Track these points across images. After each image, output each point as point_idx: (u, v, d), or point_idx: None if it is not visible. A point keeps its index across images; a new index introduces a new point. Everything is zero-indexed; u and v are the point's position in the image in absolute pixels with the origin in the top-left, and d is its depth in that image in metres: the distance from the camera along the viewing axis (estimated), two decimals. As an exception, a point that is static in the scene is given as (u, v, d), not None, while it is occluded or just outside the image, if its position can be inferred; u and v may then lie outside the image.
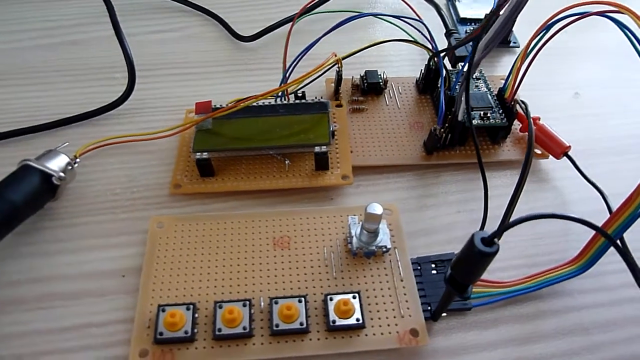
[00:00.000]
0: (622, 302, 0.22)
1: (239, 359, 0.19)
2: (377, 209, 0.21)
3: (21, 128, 0.27)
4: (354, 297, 0.21)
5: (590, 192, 0.25)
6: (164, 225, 0.24)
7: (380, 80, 0.30)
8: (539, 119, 0.28)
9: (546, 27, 0.25)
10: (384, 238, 0.23)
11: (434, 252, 0.23)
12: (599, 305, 0.22)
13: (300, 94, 0.28)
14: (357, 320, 0.20)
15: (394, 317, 0.21)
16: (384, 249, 0.23)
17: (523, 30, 0.32)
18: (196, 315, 0.20)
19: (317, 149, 0.25)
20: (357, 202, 0.25)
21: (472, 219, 0.25)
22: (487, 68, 0.33)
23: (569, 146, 0.26)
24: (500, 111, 0.27)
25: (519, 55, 0.26)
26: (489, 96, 0.28)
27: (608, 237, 0.16)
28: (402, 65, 0.34)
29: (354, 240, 0.22)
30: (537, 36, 0.25)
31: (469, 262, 0.17)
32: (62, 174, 0.23)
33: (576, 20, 0.24)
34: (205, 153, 0.25)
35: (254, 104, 0.26)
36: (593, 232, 0.21)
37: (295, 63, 0.27)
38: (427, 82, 0.30)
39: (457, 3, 0.38)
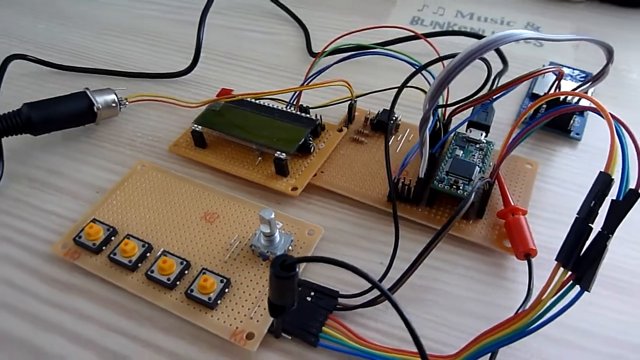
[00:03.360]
0: None
1: (114, 281, 0.23)
2: (266, 214, 0.23)
3: (109, 69, 0.36)
4: (222, 282, 0.23)
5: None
6: (144, 168, 0.29)
7: (392, 122, 0.30)
8: (524, 212, 0.25)
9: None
10: (278, 247, 0.24)
11: (325, 284, 0.24)
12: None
13: (305, 107, 0.30)
14: (209, 299, 0.22)
15: (244, 315, 0.22)
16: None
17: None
18: (112, 238, 0.25)
19: (277, 154, 0.27)
20: (298, 214, 0.27)
21: (387, 279, 0.24)
22: (535, 153, 0.30)
23: (534, 249, 0.23)
24: (478, 186, 0.25)
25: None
26: (476, 168, 0.26)
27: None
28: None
29: (255, 238, 0.24)
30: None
31: (271, 283, 0.18)
32: (100, 106, 0.30)
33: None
34: (200, 127, 0.29)
35: (259, 102, 0.30)
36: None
37: (315, 75, 0.30)
38: (434, 136, 0.29)
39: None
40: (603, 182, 0.18)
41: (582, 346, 0.22)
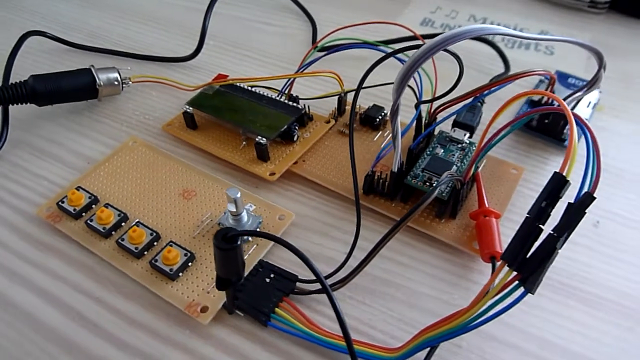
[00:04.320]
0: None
1: (88, 246, 0.24)
2: (232, 192, 0.23)
3: (121, 51, 0.38)
4: (186, 255, 0.23)
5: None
6: (135, 144, 0.30)
7: (379, 118, 0.30)
8: (497, 215, 0.24)
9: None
10: (245, 227, 0.24)
11: (289, 269, 0.24)
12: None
13: (295, 96, 0.31)
14: (171, 270, 0.23)
15: (202, 289, 0.23)
16: (242, 239, 0.24)
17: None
18: (93, 206, 0.26)
19: (258, 138, 0.27)
20: (274, 199, 0.27)
21: (348, 265, 0.24)
22: (524, 159, 0.30)
23: (500, 252, 0.23)
24: (451, 185, 0.25)
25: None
26: (453, 167, 0.26)
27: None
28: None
29: (224, 216, 0.25)
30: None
31: (215, 255, 0.19)
32: (102, 83, 0.32)
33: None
34: (191, 109, 0.30)
35: (252, 89, 0.31)
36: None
37: (309, 64, 0.30)
38: (419, 131, 0.29)
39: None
40: (556, 182, 0.17)
41: (538, 356, 0.21)
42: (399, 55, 0.27)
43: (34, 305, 0.23)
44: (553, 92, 0.28)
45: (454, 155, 0.27)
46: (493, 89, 0.25)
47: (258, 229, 0.25)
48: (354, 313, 0.23)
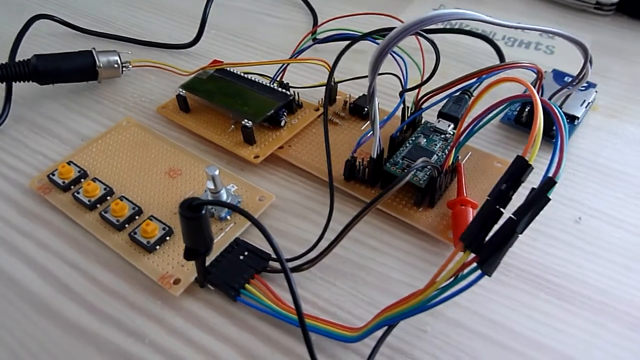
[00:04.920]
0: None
1: (73, 217, 0.25)
2: (210, 170, 0.24)
3: (126, 37, 0.39)
4: (164, 229, 0.24)
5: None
6: (129, 124, 0.31)
7: (367, 107, 0.30)
8: (474, 205, 0.24)
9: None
10: (222, 207, 0.25)
11: (263, 248, 0.24)
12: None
13: (285, 83, 0.31)
14: (148, 243, 0.24)
15: (177, 262, 0.23)
16: (220, 216, 0.25)
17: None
18: (81, 180, 0.27)
19: (244, 122, 0.28)
20: (257, 182, 0.28)
21: (320, 246, 0.24)
22: (511, 154, 0.29)
23: (472, 241, 0.23)
24: (429, 173, 0.25)
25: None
26: (434, 156, 0.26)
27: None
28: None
29: (203, 194, 0.25)
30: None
31: (181, 224, 0.19)
32: (101, 65, 0.33)
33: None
34: (184, 92, 0.31)
35: (245, 75, 0.31)
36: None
37: (301, 51, 0.31)
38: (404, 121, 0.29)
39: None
40: (518, 165, 0.17)
41: (505, 345, 0.21)
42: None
43: (17, 269, 0.24)
44: (542, 87, 0.28)
45: (436, 145, 0.27)
46: (474, 79, 0.25)
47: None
48: (324, 294, 0.23)
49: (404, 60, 0.28)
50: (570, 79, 0.33)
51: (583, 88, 0.33)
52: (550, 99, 0.28)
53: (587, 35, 0.40)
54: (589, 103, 0.32)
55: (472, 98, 0.23)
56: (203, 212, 0.18)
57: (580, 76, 0.26)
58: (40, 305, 0.22)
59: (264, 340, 0.21)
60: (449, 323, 0.22)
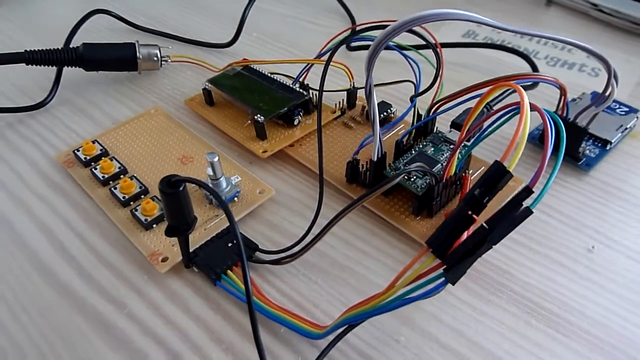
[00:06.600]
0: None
1: (88, 190, 0.27)
2: (210, 156, 0.24)
3: (172, 34, 0.41)
4: (162, 210, 0.25)
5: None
6: (156, 112, 0.33)
7: (384, 114, 0.30)
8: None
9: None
10: (222, 193, 0.25)
11: (254, 239, 0.24)
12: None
13: (306, 84, 0.31)
14: (146, 220, 0.25)
15: (169, 242, 0.24)
16: (217, 204, 0.25)
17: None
18: (102, 157, 0.29)
19: (257, 117, 0.29)
20: (262, 175, 0.28)
21: (314, 249, 0.24)
22: (529, 173, 0.28)
23: (461, 255, 0.21)
24: (428, 181, 0.24)
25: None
26: (437, 166, 0.25)
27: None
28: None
29: (205, 180, 0.26)
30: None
31: (162, 201, 0.20)
32: (141, 57, 0.35)
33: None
34: (210, 85, 0.32)
35: (270, 74, 0.32)
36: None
37: (324, 53, 0.31)
38: (418, 129, 0.28)
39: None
40: (495, 171, 0.16)
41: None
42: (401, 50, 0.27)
43: (26, 228, 0.26)
44: (566, 105, 0.26)
45: (442, 155, 0.26)
46: (482, 88, 0.24)
47: (236, 198, 0.26)
48: (303, 290, 0.23)
49: (418, 66, 0.27)
50: (618, 107, 0.31)
51: (623, 113, 0.31)
52: (576, 118, 0.27)
53: (639, 60, 0.37)
54: (626, 128, 0.29)
55: (474, 106, 0.22)
56: (181, 188, 0.19)
57: (606, 94, 0.24)
58: (38, 263, 0.24)
59: (235, 326, 0.21)
60: (425, 336, 0.21)
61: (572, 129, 0.27)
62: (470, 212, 0.17)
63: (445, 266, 0.17)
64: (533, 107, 0.17)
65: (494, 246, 0.17)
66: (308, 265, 0.24)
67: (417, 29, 0.29)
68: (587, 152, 0.28)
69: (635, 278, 0.22)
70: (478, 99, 0.21)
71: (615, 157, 0.29)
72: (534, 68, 0.34)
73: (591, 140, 0.29)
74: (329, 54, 0.24)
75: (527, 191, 0.16)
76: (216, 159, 0.25)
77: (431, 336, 0.21)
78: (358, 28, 0.33)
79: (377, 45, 0.20)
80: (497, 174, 0.16)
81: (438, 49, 0.27)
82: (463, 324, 0.21)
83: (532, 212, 0.17)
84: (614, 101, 0.32)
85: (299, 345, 0.21)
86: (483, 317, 0.21)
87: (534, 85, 0.33)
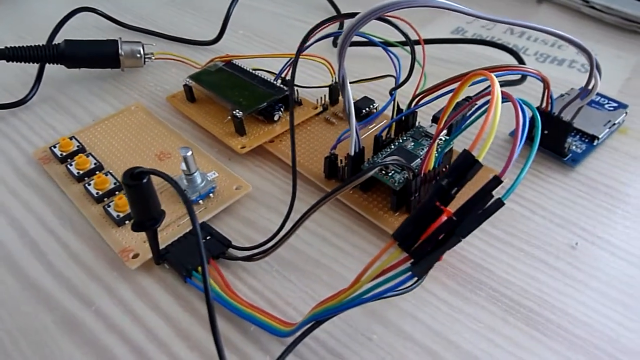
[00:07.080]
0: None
1: (62, 186, 0.27)
2: (183, 151, 0.24)
3: (158, 32, 0.41)
4: (136, 205, 0.25)
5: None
6: (137, 109, 0.32)
7: (366, 109, 0.30)
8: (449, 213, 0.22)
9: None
10: (197, 189, 0.25)
11: (228, 235, 0.24)
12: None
13: (287, 79, 0.31)
14: (118, 217, 0.24)
15: (141, 239, 0.23)
16: (192, 200, 0.25)
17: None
18: (78, 154, 0.28)
19: (235, 112, 0.28)
20: (240, 172, 0.28)
21: (287, 244, 0.23)
22: (516, 171, 0.28)
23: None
24: (405, 176, 0.23)
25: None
26: (417, 160, 0.24)
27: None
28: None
29: (179, 176, 0.26)
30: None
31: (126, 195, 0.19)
32: (123, 53, 0.35)
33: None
34: (191, 81, 0.32)
35: (250, 69, 0.32)
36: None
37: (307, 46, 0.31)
38: (399, 124, 0.27)
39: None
40: (463, 160, 0.16)
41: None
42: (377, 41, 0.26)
43: (1, 230, 0.25)
44: (550, 98, 0.26)
45: (423, 149, 0.25)
46: (470, 81, 0.23)
47: (211, 194, 0.26)
48: (276, 287, 0.22)
49: (398, 59, 0.27)
50: (607, 102, 0.30)
51: (612, 108, 0.30)
52: (560, 112, 0.26)
53: (630, 56, 0.36)
54: (614, 124, 0.29)
55: (450, 98, 0.21)
56: (145, 180, 0.18)
57: (589, 87, 0.23)
58: (7, 259, 0.23)
59: (203, 323, 0.21)
60: (399, 335, 0.20)
61: (557, 124, 0.26)
62: (438, 204, 0.16)
63: (412, 260, 0.16)
64: (505, 95, 0.17)
65: (463, 239, 0.16)
66: (283, 263, 0.23)
67: (398, 22, 0.28)
68: (574, 147, 0.28)
69: (619, 275, 0.22)
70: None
71: (603, 153, 0.28)
72: (522, 63, 0.34)
73: (578, 136, 0.29)
74: (303, 44, 0.24)
75: (495, 180, 0.15)
76: (189, 153, 0.24)
77: (405, 334, 0.20)
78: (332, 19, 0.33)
79: (347, 34, 0.19)
80: (466, 163, 0.16)
81: (420, 42, 0.27)
82: (439, 322, 0.20)
83: (503, 204, 0.16)
84: (603, 96, 0.31)
85: (268, 344, 0.20)
86: (460, 315, 0.21)
87: (522, 80, 0.32)
